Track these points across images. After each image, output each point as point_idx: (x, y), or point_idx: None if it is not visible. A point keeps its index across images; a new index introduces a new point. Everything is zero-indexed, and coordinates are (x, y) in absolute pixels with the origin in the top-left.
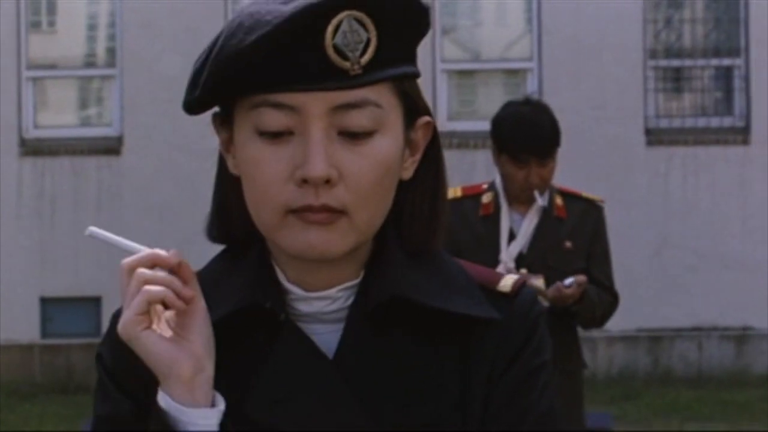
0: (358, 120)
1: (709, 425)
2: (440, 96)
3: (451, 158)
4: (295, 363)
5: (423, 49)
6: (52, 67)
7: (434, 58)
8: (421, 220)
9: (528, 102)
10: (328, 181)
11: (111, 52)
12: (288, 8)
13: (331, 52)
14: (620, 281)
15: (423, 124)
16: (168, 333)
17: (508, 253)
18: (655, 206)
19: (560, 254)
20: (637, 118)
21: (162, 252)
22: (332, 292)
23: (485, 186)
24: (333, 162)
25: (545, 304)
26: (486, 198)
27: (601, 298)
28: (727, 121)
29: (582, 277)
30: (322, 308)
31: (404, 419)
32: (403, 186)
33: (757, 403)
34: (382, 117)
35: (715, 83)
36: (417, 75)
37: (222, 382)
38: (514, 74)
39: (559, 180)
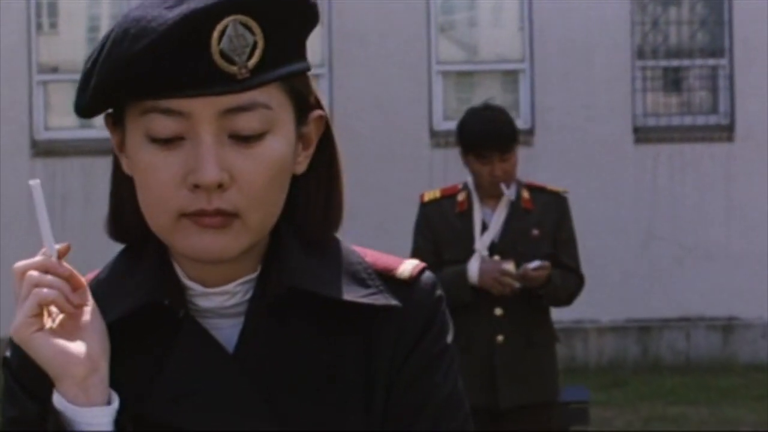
0: (247, 123)
1: (691, 409)
2: (435, 96)
3: (446, 156)
4: (195, 359)
5: (419, 50)
6: (60, 70)
7: (430, 59)
8: (317, 211)
9: (487, 107)
10: (220, 186)
11: None
12: (173, 14)
13: (217, 57)
14: (610, 273)
15: (315, 118)
16: (61, 335)
17: (482, 242)
18: (642, 201)
19: (528, 241)
20: (626, 116)
21: (56, 262)
22: (230, 287)
23: (460, 186)
24: (224, 166)
25: (516, 285)
26: (461, 196)
27: (566, 281)
28: (712, 119)
29: (546, 263)
30: (221, 303)
31: (306, 410)
32: (297, 179)
33: (740, 389)
34: (273, 118)
35: (700, 83)
36: (307, 70)
37: (123, 381)
38: (507, 75)
39: (552, 175)
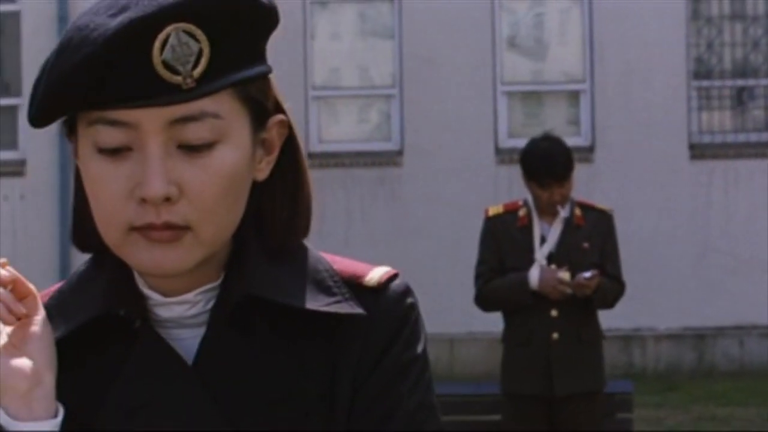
0: (196, 133)
1: (740, 410)
2: (500, 115)
3: (511, 172)
4: (151, 370)
5: (485, 72)
6: None
7: (495, 80)
8: (282, 217)
9: (547, 138)
10: (168, 199)
11: None
12: (114, 23)
13: (159, 68)
14: (667, 284)
15: (276, 123)
16: (5, 347)
17: (541, 253)
18: (698, 215)
19: (580, 253)
20: (682, 134)
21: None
22: (191, 296)
23: (521, 203)
24: (173, 178)
25: (568, 291)
26: (522, 212)
27: (611, 287)
28: (764, 136)
29: (596, 272)
30: (182, 313)
31: (266, 422)
32: (261, 186)
33: None
34: (223, 127)
35: (753, 102)
36: (264, 74)
37: (78, 394)
38: (569, 95)
39: (611, 190)
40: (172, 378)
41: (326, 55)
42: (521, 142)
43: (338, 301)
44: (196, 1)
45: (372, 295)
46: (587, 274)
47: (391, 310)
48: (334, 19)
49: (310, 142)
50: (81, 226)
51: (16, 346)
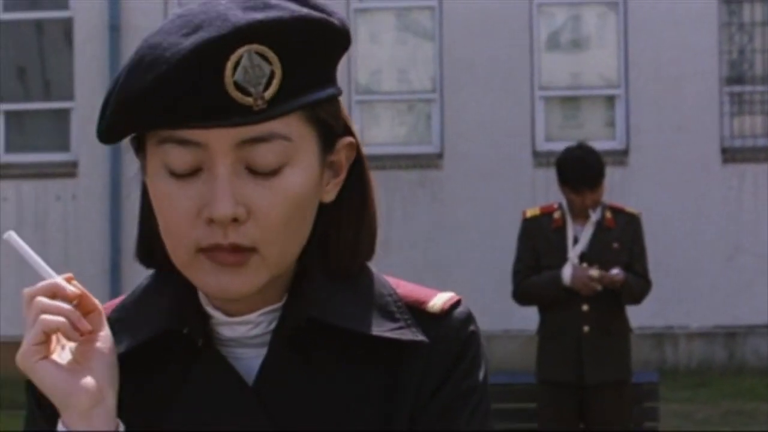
0: (264, 155)
1: (766, 405)
2: (538, 119)
3: (548, 175)
4: (212, 389)
5: (523, 77)
6: None
7: (533, 85)
8: (347, 240)
9: (580, 147)
10: (235, 220)
11: None
12: (187, 43)
13: (231, 89)
14: (699, 283)
15: (345, 145)
16: (68, 363)
17: (574, 253)
18: (729, 217)
19: (610, 253)
20: (714, 138)
21: (64, 283)
22: (253, 316)
23: (556, 206)
24: (240, 199)
25: (599, 288)
26: (557, 215)
27: (638, 285)
28: None
29: (621, 271)
30: (245, 333)
31: None
32: (327, 208)
33: None
34: (292, 149)
35: None
36: (333, 97)
37: (139, 410)
38: (604, 99)
39: (645, 192)
40: (231, 399)
41: (369, 59)
42: (558, 146)
43: (400, 327)
44: (269, 22)
45: (434, 322)
46: (614, 271)
47: (452, 337)
48: (375, 24)
49: None
50: (146, 243)
51: (79, 363)
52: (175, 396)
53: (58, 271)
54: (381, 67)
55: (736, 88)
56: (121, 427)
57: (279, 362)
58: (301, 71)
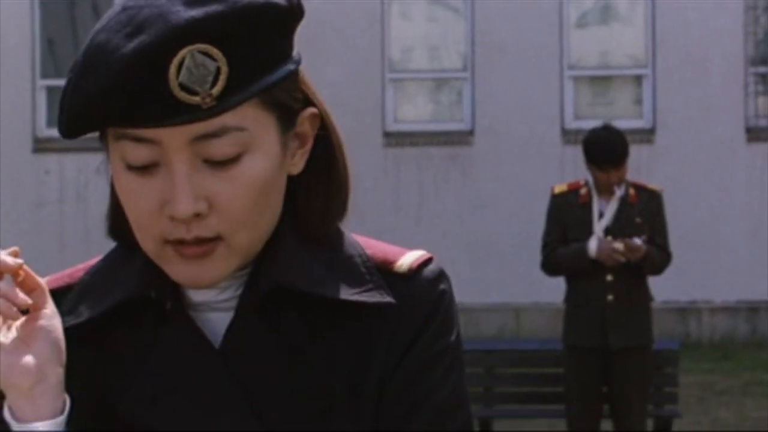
0: (219, 148)
1: None
2: (567, 98)
3: (576, 153)
4: (179, 352)
5: (552, 57)
6: None
7: (562, 65)
8: (316, 208)
9: (606, 128)
10: (198, 215)
11: None
12: (129, 48)
13: (177, 91)
14: (723, 259)
15: (308, 116)
16: (9, 344)
17: (599, 227)
18: (753, 194)
19: (633, 226)
20: (739, 118)
21: (3, 256)
22: (222, 281)
23: (582, 182)
24: (201, 193)
25: (622, 260)
26: (583, 191)
27: (660, 256)
28: None
29: (645, 238)
30: (213, 297)
31: (289, 411)
32: (296, 178)
33: None
34: (248, 138)
35: None
36: (289, 73)
37: (107, 374)
38: (632, 79)
39: (670, 170)
40: (198, 361)
41: (402, 39)
42: (586, 124)
43: (368, 289)
44: (209, 20)
45: (403, 282)
46: (638, 240)
47: (422, 296)
48: (409, 4)
49: (386, 122)
50: (115, 217)
51: (23, 341)
52: (143, 359)
53: (98, 241)
54: (415, 47)
55: (761, 69)
56: (67, 405)
57: (245, 326)
58: (248, 60)
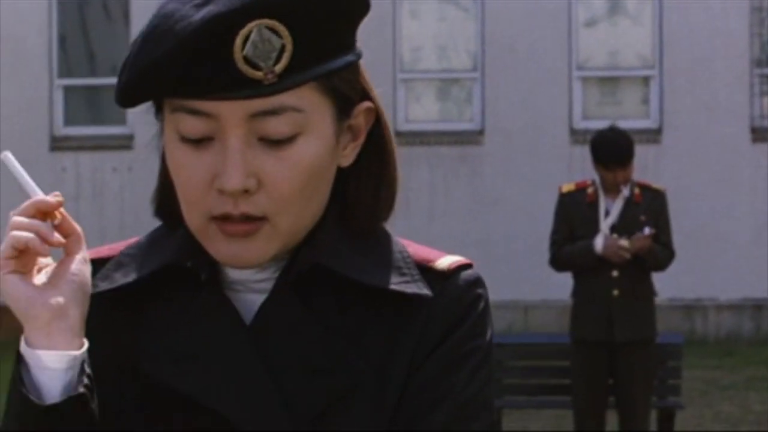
0: (276, 126)
1: None
2: (575, 98)
3: (584, 152)
4: (208, 323)
5: (561, 57)
6: None
7: (570, 66)
8: (365, 204)
9: (612, 129)
10: (246, 191)
11: None
12: (198, 17)
13: (241, 64)
14: (728, 257)
15: (364, 110)
16: (36, 280)
17: (605, 224)
18: (758, 194)
19: (638, 225)
20: (744, 118)
21: (45, 197)
22: None
23: (589, 182)
24: (252, 170)
25: (627, 256)
26: (590, 190)
27: (663, 253)
28: None
29: (652, 230)
30: (251, 276)
31: (311, 391)
32: (345, 171)
33: None
34: (304, 120)
35: None
36: (350, 63)
37: (137, 337)
38: (639, 80)
39: (677, 169)
40: (225, 333)
41: (413, 39)
42: (594, 124)
43: (406, 282)
44: None
45: (441, 280)
46: (646, 231)
47: (457, 296)
48: (419, 4)
49: (397, 122)
50: (164, 196)
51: (50, 281)
52: (171, 325)
53: (113, 239)
54: (425, 47)
55: (766, 70)
56: (84, 346)
57: (279, 305)
58: (313, 43)
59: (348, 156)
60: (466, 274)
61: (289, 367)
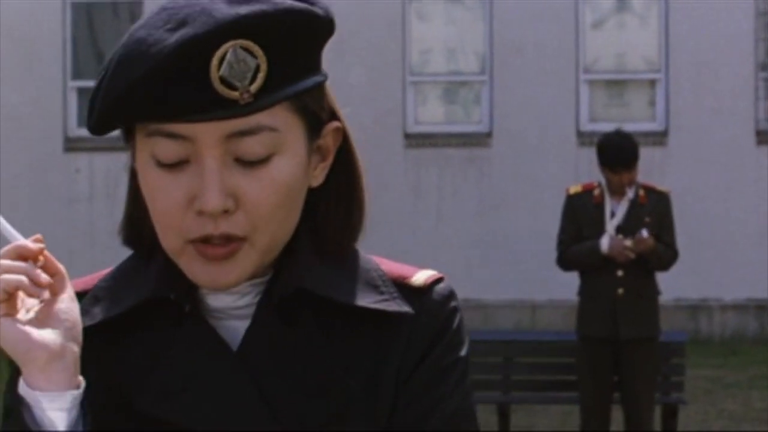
0: (252, 146)
1: None
2: (582, 101)
3: (591, 154)
4: (196, 354)
5: (568, 61)
6: None
7: (577, 69)
8: (336, 223)
9: (618, 133)
10: (225, 211)
11: None
12: (172, 39)
13: (217, 84)
14: (733, 258)
15: (332, 130)
16: (29, 322)
17: (611, 225)
18: (762, 196)
19: (642, 226)
20: (749, 121)
21: (26, 242)
22: (241, 286)
23: (596, 184)
24: (230, 190)
25: (632, 256)
26: (596, 192)
27: (666, 253)
28: None
29: (647, 233)
30: (231, 303)
31: (305, 414)
32: (316, 191)
33: None
34: (279, 139)
35: None
36: (319, 84)
37: (123, 374)
38: (646, 83)
39: (682, 171)
40: (215, 363)
41: (421, 42)
42: (600, 126)
43: (386, 300)
44: (254, 18)
45: (417, 296)
46: (644, 233)
47: (435, 311)
48: (431, 10)
49: (406, 124)
50: (134, 223)
51: (41, 320)
52: (159, 358)
53: None
54: (434, 50)
55: None
56: (82, 385)
57: (264, 330)
58: (286, 63)
59: (318, 176)
60: (440, 288)
61: (281, 392)
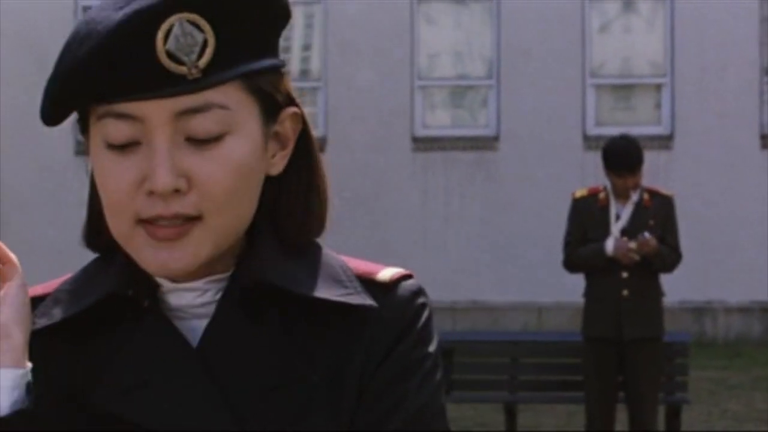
0: (203, 125)
1: None
2: (589, 105)
3: (597, 158)
4: (154, 350)
5: (575, 66)
6: None
7: (584, 74)
8: (296, 214)
9: (623, 137)
10: (177, 191)
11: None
12: (117, 16)
13: (163, 57)
14: (737, 261)
15: (289, 116)
16: None
17: (616, 228)
18: (766, 199)
19: (646, 228)
20: (754, 125)
21: None
22: (200, 283)
23: (601, 188)
24: (181, 170)
25: (636, 258)
26: (602, 195)
27: (670, 255)
28: None
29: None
30: (191, 300)
31: (266, 410)
32: (275, 181)
33: None
34: (231, 118)
35: None
36: (274, 68)
37: (81, 370)
38: (651, 88)
39: (688, 174)
40: (173, 359)
41: (430, 47)
42: (606, 130)
43: (350, 293)
44: None
45: (383, 292)
46: (646, 235)
47: (401, 307)
48: (439, 14)
49: (414, 128)
50: (93, 224)
51: None
52: (117, 355)
53: None
54: (442, 55)
55: None
56: (29, 366)
57: (224, 325)
58: (236, 40)
59: (277, 164)
60: (407, 284)
61: (242, 388)
